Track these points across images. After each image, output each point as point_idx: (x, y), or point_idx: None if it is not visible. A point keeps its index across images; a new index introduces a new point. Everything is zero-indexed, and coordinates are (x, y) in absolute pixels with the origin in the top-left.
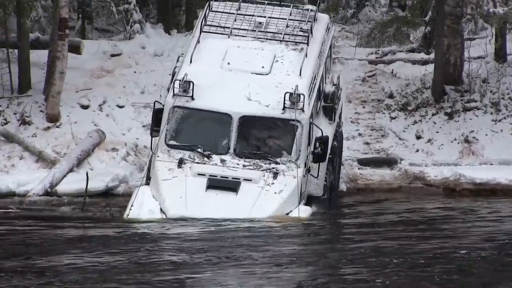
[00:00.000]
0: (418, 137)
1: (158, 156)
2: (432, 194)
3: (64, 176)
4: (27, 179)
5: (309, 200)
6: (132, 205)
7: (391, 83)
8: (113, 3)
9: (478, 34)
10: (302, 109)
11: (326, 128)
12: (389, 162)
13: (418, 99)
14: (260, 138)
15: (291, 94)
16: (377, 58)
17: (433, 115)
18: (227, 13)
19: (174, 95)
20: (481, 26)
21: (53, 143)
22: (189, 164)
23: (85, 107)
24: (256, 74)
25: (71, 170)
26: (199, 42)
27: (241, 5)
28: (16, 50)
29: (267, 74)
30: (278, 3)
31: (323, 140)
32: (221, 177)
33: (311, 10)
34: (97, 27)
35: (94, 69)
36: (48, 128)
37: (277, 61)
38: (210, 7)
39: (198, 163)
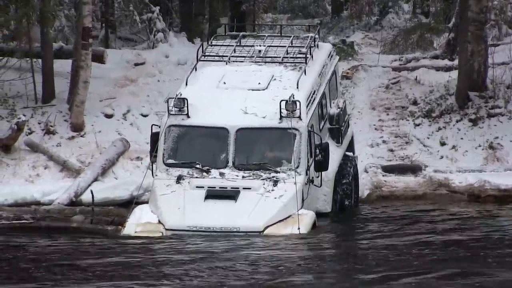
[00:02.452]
0: (443, 144)
1: (156, 175)
2: (456, 200)
3: (89, 185)
4: (51, 188)
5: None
6: (126, 222)
7: (415, 90)
8: (137, 12)
9: (502, 40)
10: (299, 117)
11: (333, 151)
12: (413, 169)
13: (442, 106)
14: (259, 149)
15: (286, 101)
16: (400, 65)
17: (457, 121)
18: (226, 45)
19: (169, 114)
20: (505, 32)
21: (77, 152)
22: (187, 179)
23: (109, 116)
24: (253, 90)
25: (95, 179)
26: (195, 70)
27: (241, 40)
28: (40, 60)
29: (263, 90)
30: (279, 34)
31: (322, 147)
32: (220, 187)
33: (312, 37)
34: (120, 36)
35: (118, 78)
36: (73, 137)
37: (275, 79)
38: (210, 43)
39: (197, 177)
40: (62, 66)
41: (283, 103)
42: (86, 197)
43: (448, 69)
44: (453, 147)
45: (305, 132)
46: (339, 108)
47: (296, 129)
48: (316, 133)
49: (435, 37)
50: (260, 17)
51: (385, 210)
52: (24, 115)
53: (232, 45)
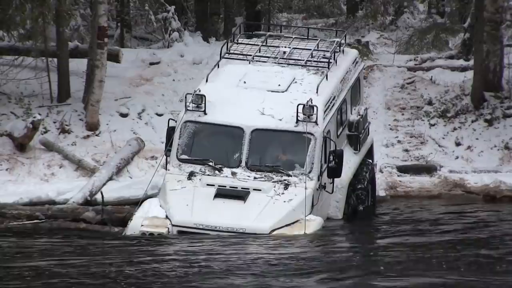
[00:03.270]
0: (458, 144)
1: (169, 170)
2: (472, 201)
3: (104, 184)
4: (66, 187)
5: None
6: (133, 215)
7: (430, 90)
8: (152, 11)
9: None
10: (316, 122)
11: (350, 157)
12: (428, 169)
13: (457, 106)
14: (273, 151)
15: (304, 106)
16: (416, 65)
17: (472, 122)
18: (251, 44)
19: (186, 110)
20: None
21: (92, 151)
22: (199, 176)
23: (124, 115)
24: (272, 91)
25: (110, 179)
26: (218, 67)
27: (268, 39)
28: (55, 59)
29: (283, 92)
30: (306, 37)
31: (337, 154)
32: (230, 187)
33: (338, 42)
34: (135, 36)
35: (133, 78)
36: (88, 136)
37: (295, 82)
38: (236, 40)
39: (208, 175)
40: (78, 65)
41: (300, 107)
42: (100, 196)
43: (463, 69)
44: (469, 147)
45: (320, 138)
46: (359, 115)
47: (312, 134)
48: (331, 140)
49: (450, 37)
50: (275, 16)
51: (399, 210)
52: (40, 114)
53: (258, 45)
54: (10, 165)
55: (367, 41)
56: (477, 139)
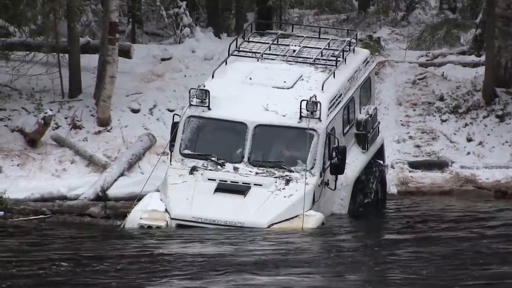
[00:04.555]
0: (469, 140)
1: (171, 165)
2: (483, 197)
3: (115, 180)
4: (78, 183)
5: None
6: (133, 208)
7: (442, 86)
8: (163, 7)
9: None
10: (319, 118)
11: (357, 156)
12: (440, 165)
13: (468, 102)
14: (275, 147)
15: (307, 102)
16: (427, 60)
17: (484, 117)
18: (262, 42)
19: (190, 105)
20: None
21: (104, 147)
22: (201, 171)
23: (135, 111)
24: (277, 88)
25: (122, 174)
26: (226, 63)
27: (278, 38)
28: (66, 55)
29: (288, 88)
30: (317, 36)
31: (339, 150)
32: (231, 182)
33: (348, 41)
34: (147, 31)
35: (144, 73)
36: (99, 132)
37: (302, 79)
38: (247, 38)
39: (210, 170)
40: (89, 61)
41: (304, 103)
42: (112, 191)
43: (475, 65)
44: (480, 143)
45: (323, 134)
46: (368, 114)
47: (314, 130)
48: (335, 137)
49: (462, 33)
50: (287, 12)
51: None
52: (51, 110)
53: (268, 43)
54: (22, 161)
55: (379, 37)
56: (488, 134)
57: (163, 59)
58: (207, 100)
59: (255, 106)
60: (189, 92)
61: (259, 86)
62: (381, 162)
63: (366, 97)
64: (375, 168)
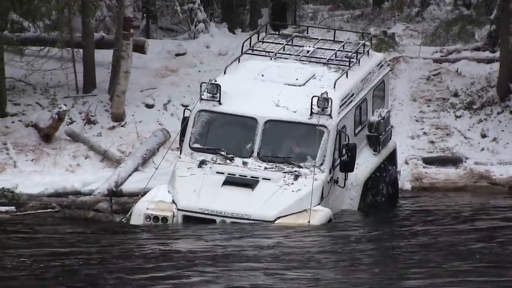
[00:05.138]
0: (483, 136)
1: (180, 158)
2: (497, 193)
3: (129, 175)
4: (92, 178)
5: None
6: (140, 199)
7: (456, 82)
8: (178, 2)
9: None
10: (330, 115)
11: (368, 158)
12: (454, 161)
13: (483, 98)
14: (285, 142)
15: (318, 98)
16: (441, 56)
17: (498, 113)
18: (276, 43)
19: (201, 99)
20: None
21: (118, 142)
22: (209, 165)
23: (150, 106)
24: (289, 85)
25: (136, 169)
26: (238, 61)
27: (293, 39)
28: (81, 50)
29: (300, 86)
30: (332, 39)
31: (349, 147)
32: (239, 175)
33: (362, 44)
34: (161, 27)
35: (159, 69)
36: (113, 127)
37: (315, 78)
38: (262, 39)
39: (219, 164)
40: (103, 56)
41: (315, 99)
42: (126, 187)
43: (489, 61)
44: (494, 139)
45: (333, 131)
46: (380, 117)
47: (325, 127)
48: (346, 134)
49: (476, 29)
50: (301, 7)
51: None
52: (65, 105)
53: (282, 43)
54: (36, 156)
55: (393, 33)
56: (502, 131)
57: (177, 55)
58: (218, 94)
59: (266, 101)
60: (200, 86)
61: (271, 83)
62: (393, 167)
63: (379, 100)
64: (385, 173)
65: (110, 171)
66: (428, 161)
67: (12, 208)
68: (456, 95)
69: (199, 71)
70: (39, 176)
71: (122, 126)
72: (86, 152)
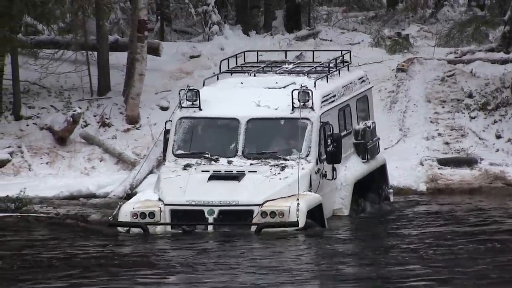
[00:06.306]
0: (498, 137)
1: (164, 164)
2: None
3: (144, 177)
4: (107, 181)
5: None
6: (121, 204)
7: (470, 83)
8: (192, 4)
9: None
10: (312, 108)
11: (357, 164)
12: (469, 162)
13: (497, 99)
14: (269, 139)
15: (299, 92)
16: (456, 57)
17: None
18: (258, 62)
19: (181, 107)
20: None
21: (133, 144)
22: (194, 167)
23: (164, 108)
24: (269, 88)
25: (151, 172)
26: (217, 78)
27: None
28: (95, 53)
29: (280, 88)
30: (311, 61)
31: (334, 138)
32: (225, 171)
33: (341, 57)
34: (175, 29)
35: (173, 71)
36: (128, 130)
37: (294, 84)
38: (240, 65)
39: (204, 165)
40: (118, 58)
41: (296, 93)
42: (141, 189)
43: (503, 62)
44: (509, 140)
45: (317, 123)
46: (366, 125)
47: (308, 119)
48: (330, 125)
49: (490, 30)
50: (315, 9)
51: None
52: (80, 108)
53: (264, 62)
54: (51, 159)
55: (407, 34)
56: None
57: (191, 57)
58: (197, 101)
59: (246, 103)
60: (179, 93)
61: (251, 88)
62: (385, 185)
63: (364, 113)
64: (380, 190)
65: (125, 174)
66: (443, 162)
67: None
68: (470, 96)
69: (214, 73)
70: (54, 179)
71: (136, 128)
72: (101, 154)
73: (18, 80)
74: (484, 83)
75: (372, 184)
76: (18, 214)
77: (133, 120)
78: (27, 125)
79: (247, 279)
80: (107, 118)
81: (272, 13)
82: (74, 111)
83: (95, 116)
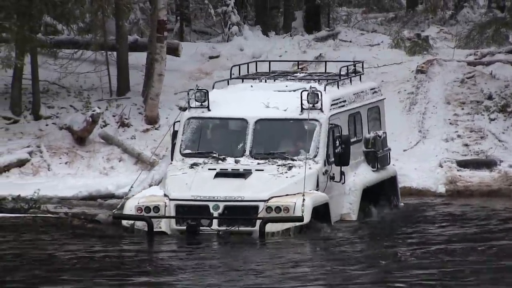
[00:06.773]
0: None
1: (171, 163)
2: None
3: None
4: (126, 181)
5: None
6: (126, 199)
7: (490, 85)
8: (211, 5)
9: None
10: (321, 109)
11: (367, 171)
12: (488, 164)
13: None
14: (277, 140)
15: (308, 93)
16: (475, 59)
17: None
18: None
19: (190, 107)
20: None
21: (152, 145)
22: (201, 165)
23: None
24: (279, 91)
25: None
26: (228, 83)
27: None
28: (114, 53)
29: (290, 91)
30: (323, 72)
31: (343, 139)
32: (232, 169)
33: (353, 67)
34: (195, 29)
35: (193, 71)
36: (147, 130)
37: (305, 89)
38: (256, 67)
39: (211, 164)
40: (137, 59)
41: (304, 94)
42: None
43: None
44: None
45: (325, 124)
46: (376, 134)
47: (316, 120)
48: (339, 126)
49: (510, 31)
50: (335, 10)
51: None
52: (99, 108)
53: (276, 71)
54: (70, 159)
55: (427, 36)
56: None
57: (211, 57)
58: (206, 101)
59: (255, 104)
60: (188, 93)
61: (260, 90)
62: (395, 197)
63: (375, 122)
64: (390, 202)
65: (144, 174)
66: (462, 164)
67: None
68: (490, 98)
69: (233, 73)
70: (73, 179)
71: (156, 128)
72: (120, 154)
73: (38, 79)
74: (504, 85)
75: (382, 194)
76: (25, 215)
77: (152, 121)
78: (46, 125)
79: (248, 281)
80: (126, 118)
81: (291, 14)
82: (93, 111)
83: (114, 116)
